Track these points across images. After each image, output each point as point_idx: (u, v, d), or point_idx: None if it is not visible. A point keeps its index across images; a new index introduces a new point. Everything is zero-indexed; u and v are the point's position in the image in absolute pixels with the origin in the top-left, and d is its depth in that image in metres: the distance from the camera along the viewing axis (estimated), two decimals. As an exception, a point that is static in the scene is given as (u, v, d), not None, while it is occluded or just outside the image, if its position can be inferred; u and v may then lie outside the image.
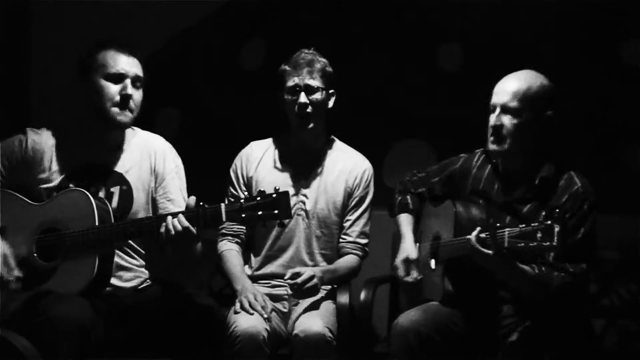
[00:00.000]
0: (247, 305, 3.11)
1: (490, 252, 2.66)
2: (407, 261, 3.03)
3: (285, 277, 3.15)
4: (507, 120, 2.86)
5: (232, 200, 3.32)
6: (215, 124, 4.39)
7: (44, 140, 3.00)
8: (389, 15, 4.24)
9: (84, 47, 3.06)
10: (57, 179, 2.96)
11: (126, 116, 2.97)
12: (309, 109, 3.28)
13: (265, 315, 3.09)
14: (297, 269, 3.16)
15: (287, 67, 3.32)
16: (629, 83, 3.99)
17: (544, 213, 2.70)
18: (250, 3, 4.40)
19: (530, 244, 2.58)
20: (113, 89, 2.95)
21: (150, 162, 3.05)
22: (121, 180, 2.99)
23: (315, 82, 3.29)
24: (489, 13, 4.14)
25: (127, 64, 2.98)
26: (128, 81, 2.96)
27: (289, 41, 3.52)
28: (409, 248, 3.07)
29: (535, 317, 2.82)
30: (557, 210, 2.64)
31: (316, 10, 4.30)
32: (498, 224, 2.67)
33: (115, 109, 2.95)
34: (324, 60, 3.34)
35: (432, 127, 4.14)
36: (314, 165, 3.38)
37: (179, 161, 3.11)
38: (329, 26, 4.27)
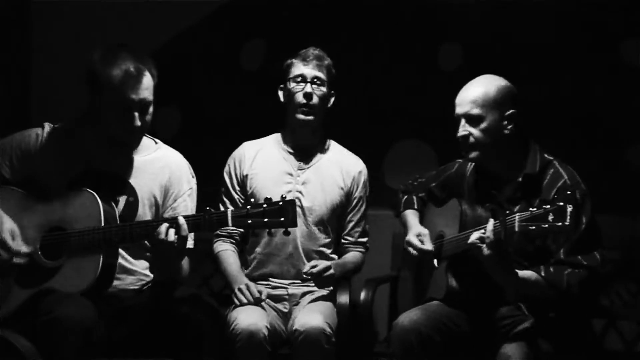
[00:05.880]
0: (240, 295, 3.15)
1: (489, 252, 2.65)
2: (419, 235, 3.05)
3: (304, 270, 3.20)
4: (473, 129, 2.89)
5: (226, 201, 3.37)
6: (215, 124, 4.39)
7: (59, 137, 2.94)
8: (389, 15, 4.25)
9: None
10: (66, 178, 2.90)
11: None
12: (314, 100, 3.29)
13: (264, 297, 3.15)
14: (314, 262, 3.22)
15: (294, 60, 3.34)
16: (629, 83, 3.99)
17: (555, 196, 2.68)
18: (250, 3, 4.40)
19: (543, 226, 2.53)
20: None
21: (164, 180, 2.98)
22: (130, 190, 2.93)
23: (323, 76, 3.31)
24: (489, 13, 4.14)
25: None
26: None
27: (289, 41, 3.52)
28: (418, 228, 3.10)
29: (540, 314, 2.81)
30: (569, 191, 2.64)
31: (316, 10, 4.30)
32: (507, 211, 2.65)
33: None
34: (330, 60, 3.37)
35: (432, 127, 4.14)
36: (309, 163, 3.38)
37: (193, 182, 3.05)
38: (330, 26, 4.27)
